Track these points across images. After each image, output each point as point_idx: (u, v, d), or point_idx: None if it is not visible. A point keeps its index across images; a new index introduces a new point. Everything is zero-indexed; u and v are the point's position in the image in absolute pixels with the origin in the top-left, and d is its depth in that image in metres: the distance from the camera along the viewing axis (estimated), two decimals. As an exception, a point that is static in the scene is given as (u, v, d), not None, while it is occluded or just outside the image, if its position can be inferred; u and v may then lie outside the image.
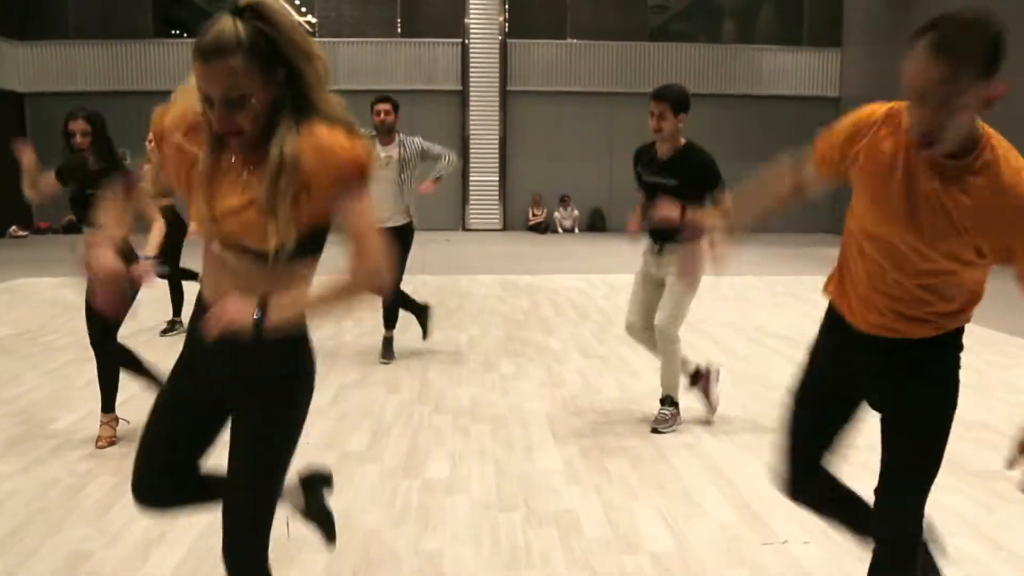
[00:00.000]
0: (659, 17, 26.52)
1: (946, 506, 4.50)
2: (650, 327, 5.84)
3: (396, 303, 7.85)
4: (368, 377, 7.18)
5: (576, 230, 22.59)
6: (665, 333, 5.72)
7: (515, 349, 8.31)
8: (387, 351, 7.87)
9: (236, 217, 2.30)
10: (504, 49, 22.50)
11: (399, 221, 7.56)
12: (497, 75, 22.44)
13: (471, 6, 22.44)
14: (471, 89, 22.46)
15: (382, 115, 7.61)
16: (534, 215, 22.67)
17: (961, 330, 2.71)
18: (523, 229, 22.77)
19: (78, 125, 5.78)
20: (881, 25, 20.94)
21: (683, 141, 5.74)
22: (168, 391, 2.68)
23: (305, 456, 5.05)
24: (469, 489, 4.75)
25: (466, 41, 22.39)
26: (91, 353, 5.70)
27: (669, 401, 5.92)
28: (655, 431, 5.76)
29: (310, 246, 2.37)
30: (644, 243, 5.92)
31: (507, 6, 22.80)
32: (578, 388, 6.89)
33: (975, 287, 2.62)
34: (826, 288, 2.93)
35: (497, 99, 22.47)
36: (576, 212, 22.70)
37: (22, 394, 6.68)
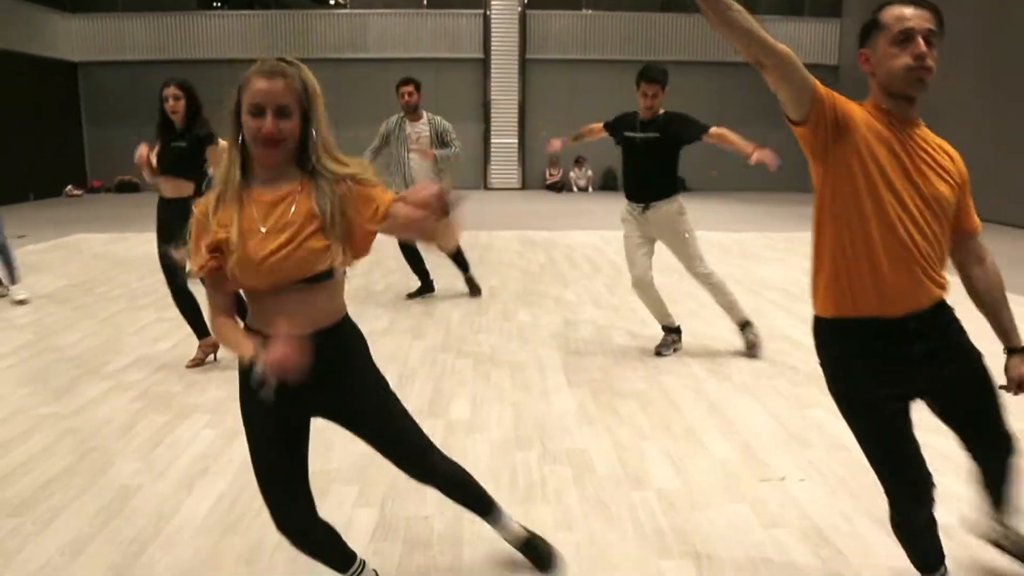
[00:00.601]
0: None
1: (933, 447, 4.46)
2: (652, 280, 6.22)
3: (412, 259, 8.41)
4: (395, 325, 7.17)
5: (590, 189, 22.44)
6: (701, 275, 6.22)
7: (532, 300, 8.27)
8: (472, 289, 8.52)
9: (282, 257, 2.44)
10: (524, 19, 22.21)
11: None
12: (517, 44, 22.19)
13: (492, -21, 22.16)
14: (492, 57, 22.22)
15: (406, 96, 7.92)
16: (551, 175, 22.52)
17: None
18: (541, 188, 22.64)
19: (170, 91, 5.97)
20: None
21: (661, 109, 6.11)
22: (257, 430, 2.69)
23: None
24: (489, 429, 4.75)
25: (488, 12, 22.11)
26: (142, 302, 5.72)
27: (746, 326, 6.34)
28: (751, 355, 6.26)
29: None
30: (624, 206, 6.27)
31: (526, -21, 22.53)
32: (591, 336, 6.87)
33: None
34: (824, 306, 2.72)
35: (517, 67, 22.24)
36: (590, 172, 22.54)
37: (78, 341, 6.71)
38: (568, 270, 10.07)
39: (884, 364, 2.61)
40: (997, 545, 3.16)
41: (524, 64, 22.33)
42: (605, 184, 22.61)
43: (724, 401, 5.24)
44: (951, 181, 2.58)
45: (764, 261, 10.86)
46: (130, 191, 21.43)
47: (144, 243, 12.26)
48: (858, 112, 2.56)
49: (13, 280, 8.27)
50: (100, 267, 10.15)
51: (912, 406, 2.68)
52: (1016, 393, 2.73)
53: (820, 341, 2.76)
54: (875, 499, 3.86)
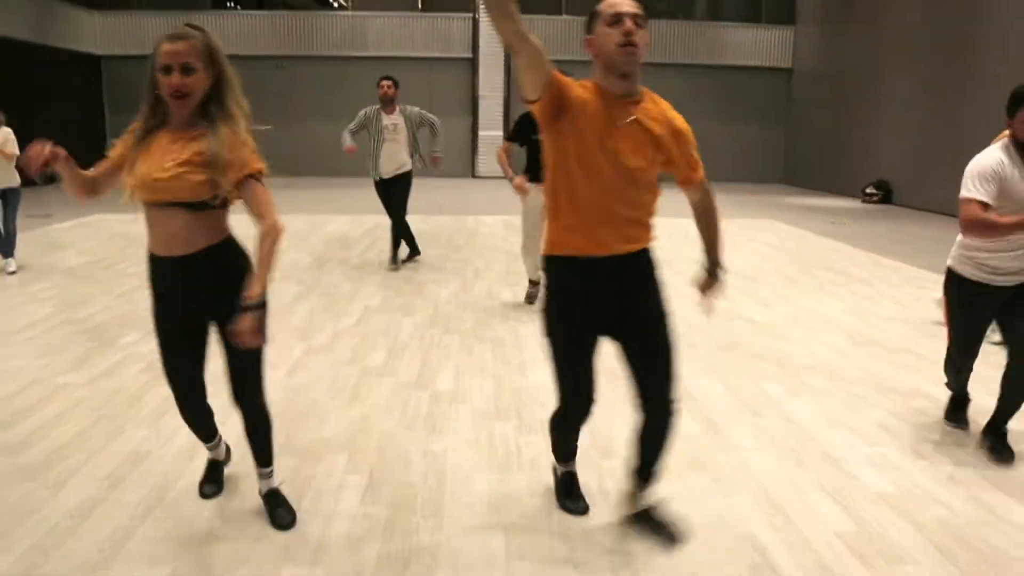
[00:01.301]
0: (643, -3, 25.95)
1: (874, 420, 4.42)
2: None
3: (401, 232, 8.71)
4: (388, 303, 7.07)
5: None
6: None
7: (514, 280, 8.17)
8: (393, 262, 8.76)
9: (173, 179, 2.75)
10: (509, 23, 22.01)
11: (405, 168, 8.43)
12: (503, 45, 21.97)
13: (481, -15, 21.94)
14: (481, 57, 22.03)
15: (384, 89, 8.22)
16: (533, 165, 22.43)
17: None
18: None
19: None
20: (829, 5, 20.49)
21: None
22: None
23: (332, 371, 4.99)
24: (471, 400, 4.67)
25: (476, 16, 21.89)
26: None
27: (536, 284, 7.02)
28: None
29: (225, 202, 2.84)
30: (534, 189, 6.56)
31: (512, -15, 22.29)
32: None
33: None
34: (550, 245, 2.91)
35: (503, 65, 22.05)
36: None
37: (94, 314, 6.58)
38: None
39: (584, 296, 2.86)
40: (634, 521, 3.17)
41: (509, 63, 22.13)
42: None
43: (689, 378, 5.15)
44: (651, 155, 2.79)
45: (725, 247, 10.77)
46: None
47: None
48: (580, 93, 2.73)
49: (6, 255, 8.30)
50: (118, 245, 9.99)
51: (599, 342, 2.94)
52: (703, 306, 3.10)
53: (546, 273, 2.97)
54: (822, 466, 3.81)
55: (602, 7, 2.76)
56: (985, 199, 3.56)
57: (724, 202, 16.26)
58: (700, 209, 3.15)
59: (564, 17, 22.69)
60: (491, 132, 22.16)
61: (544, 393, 4.78)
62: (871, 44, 18.10)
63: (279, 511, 3.27)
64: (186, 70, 2.75)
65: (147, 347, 5.66)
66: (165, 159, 2.77)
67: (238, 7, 25.83)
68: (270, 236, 2.74)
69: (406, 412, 4.45)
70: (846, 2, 19.54)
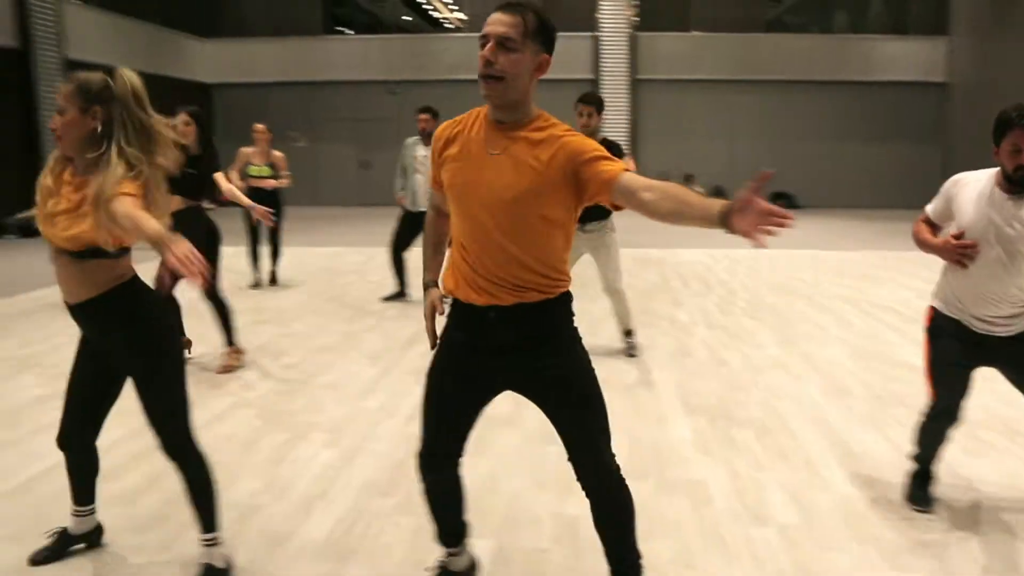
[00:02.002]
0: (775, 10, 25.61)
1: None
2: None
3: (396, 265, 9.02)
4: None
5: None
6: (617, 290, 6.76)
7: (646, 320, 8.01)
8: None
9: (53, 227, 2.96)
10: (633, 41, 21.97)
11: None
12: (626, 65, 21.94)
13: (601, 3, 21.95)
14: (603, 78, 22.02)
15: (422, 123, 8.69)
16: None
17: None
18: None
19: (181, 119, 6.29)
20: (987, 13, 19.71)
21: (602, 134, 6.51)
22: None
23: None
24: (607, 457, 4.54)
25: (597, 34, 21.95)
26: (267, 316, 5.72)
27: (629, 334, 6.80)
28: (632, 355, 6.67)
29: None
30: None
31: (635, 2, 22.27)
32: (705, 358, 6.60)
33: None
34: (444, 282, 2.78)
35: (627, 87, 21.98)
36: (700, 189, 22.12)
37: (205, 353, 6.74)
38: (680, 288, 9.79)
39: (464, 340, 2.68)
40: None
41: (634, 84, 22.06)
42: (713, 202, 22.15)
43: (844, 430, 4.93)
44: (518, 179, 2.48)
45: (877, 281, 10.37)
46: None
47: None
48: (447, 132, 2.66)
49: None
50: (225, 279, 10.25)
51: (478, 390, 2.78)
52: (759, 244, 2.16)
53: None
54: (1010, 543, 3.54)
55: (486, 23, 2.54)
56: (930, 214, 3.76)
57: (873, 232, 15.75)
58: (651, 200, 2.36)
59: (692, 34, 22.52)
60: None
61: (687, 448, 4.61)
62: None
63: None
64: (60, 111, 2.97)
65: (257, 390, 5.76)
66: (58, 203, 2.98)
67: (350, 31, 26.59)
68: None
69: (535, 469, 4.36)
70: (1006, 8, 18.76)
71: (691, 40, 22.36)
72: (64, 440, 3.32)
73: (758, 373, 6.14)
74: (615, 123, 22.06)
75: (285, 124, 22.37)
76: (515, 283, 2.56)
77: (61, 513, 3.57)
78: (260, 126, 10.04)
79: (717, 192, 22.08)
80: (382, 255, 11.42)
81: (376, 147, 21.86)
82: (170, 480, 4.20)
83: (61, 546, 3.44)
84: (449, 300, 2.72)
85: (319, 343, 7.05)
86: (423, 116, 8.72)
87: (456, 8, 32.81)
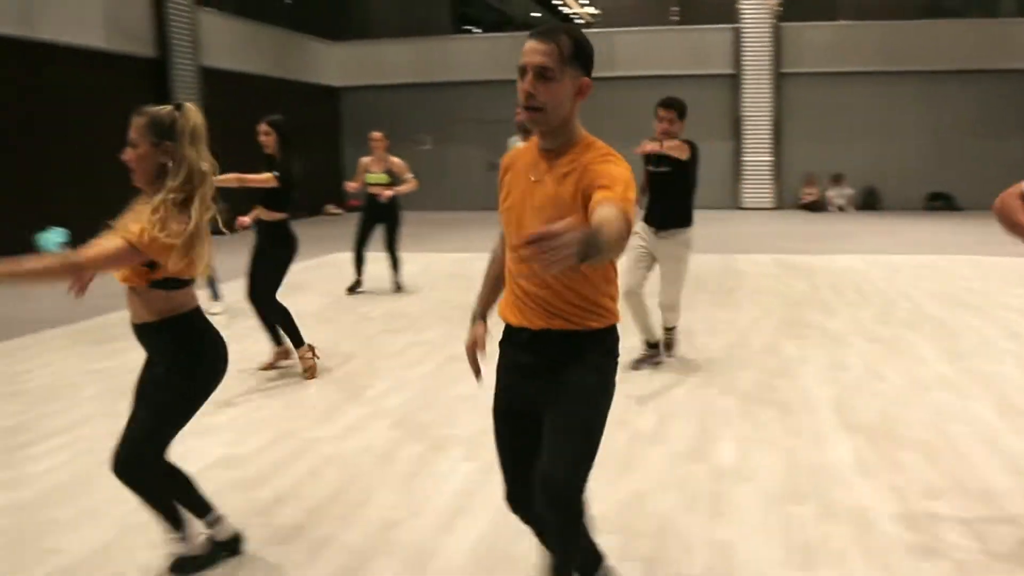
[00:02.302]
0: (931, -6, 24.67)
1: None
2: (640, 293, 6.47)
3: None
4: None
5: (849, 209, 21.31)
6: (673, 307, 6.62)
7: (796, 332, 7.81)
8: None
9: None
10: (776, 32, 21.50)
11: None
12: (770, 58, 21.50)
13: (743, -7, 21.61)
14: (744, 72, 21.62)
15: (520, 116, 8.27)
16: (807, 194, 21.56)
17: None
18: (795, 208, 21.74)
19: (261, 128, 6.61)
20: None
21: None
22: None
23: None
24: (758, 478, 4.43)
25: (738, 26, 21.58)
26: (400, 324, 5.80)
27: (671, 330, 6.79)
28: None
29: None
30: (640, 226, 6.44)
31: (780, -10, 21.82)
32: (863, 373, 6.38)
33: None
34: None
35: (770, 81, 21.53)
36: (849, 191, 21.44)
37: (340, 364, 6.89)
38: (832, 298, 9.50)
39: (508, 364, 2.82)
40: None
41: (778, 78, 21.59)
42: (865, 203, 21.40)
43: (1022, 456, 4.68)
44: (548, 217, 2.45)
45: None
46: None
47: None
48: (508, 160, 2.82)
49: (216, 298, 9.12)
50: (366, 286, 10.47)
51: (529, 420, 2.76)
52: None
53: None
54: None
55: (522, 51, 2.61)
56: None
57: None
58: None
59: (840, 23, 21.93)
60: (758, 157, 21.64)
61: (848, 471, 4.47)
62: None
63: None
64: (132, 144, 3.20)
65: (393, 400, 5.85)
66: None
67: (478, 30, 26.90)
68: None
69: (684, 490, 4.29)
70: None
71: (839, 30, 21.72)
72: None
73: (923, 390, 5.90)
74: (757, 120, 21.66)
75: (412, 126, 22.78)
76: (546, 308, 2.66)
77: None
78: (376, 134, 10.25)
79: (869, 193, 21.44)
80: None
81: (504, 149, 21.96)
82: (310, 489, 4.32)
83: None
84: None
85: (450, 352, 7.12)
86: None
87: (587, 3, 32.84)
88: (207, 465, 4.64)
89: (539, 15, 33.10)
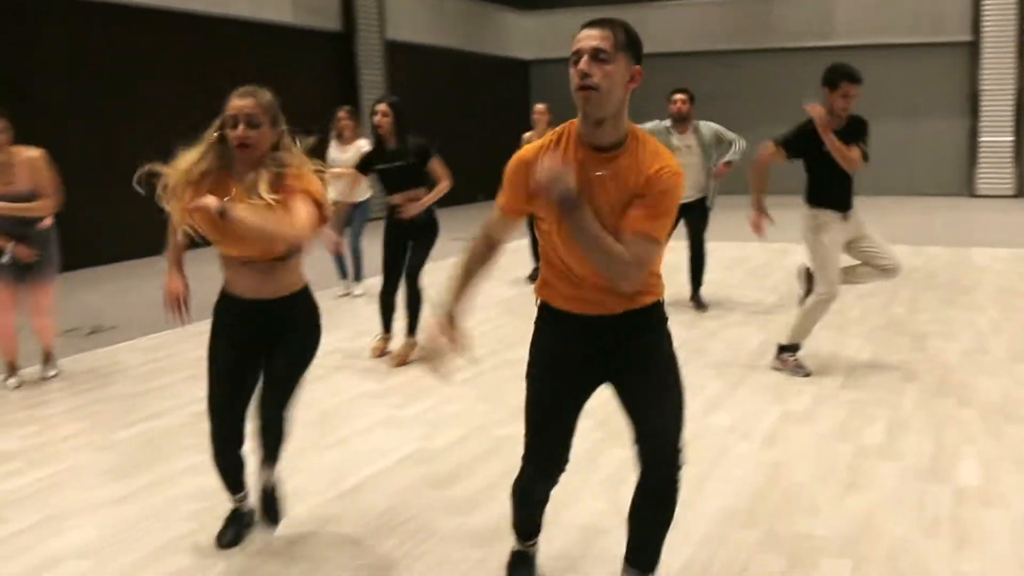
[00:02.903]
0: None
1: None
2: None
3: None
4: (879, 360, 6.74)
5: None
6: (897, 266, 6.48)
7: (1044, 335, 7.43)
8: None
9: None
10: (1025, -7, 20.38)
11: (694, 196, 8.56)
12: (1015, 24, 20.38)
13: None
14: (984, 40, 20.56)
15: (678, 104, 8.72)
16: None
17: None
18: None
19: (380, 108, 6.98)
20: None
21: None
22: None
23: (819, 445, 4.79)
24: (1010, 503, 4.24)
25: (979, -13, 20.57)
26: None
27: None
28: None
29: None
30: (824, 215, 6.25)
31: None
32: None
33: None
34: (538, 292, 3.20)
35: (1014, 50, 20.40)
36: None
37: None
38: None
39: (565, 347, 3.12)
40: None
41: (1022, 47, 20.46)
42: None
43: None
44: (611, 208, 2.86)
45: None
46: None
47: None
48: (528, 157, 2.97)
49: (358, 278, 10.04)
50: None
51: (588, 396, 3.24)
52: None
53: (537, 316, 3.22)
54: None
55: (575, 40, 2.91)
56: None
57: None
58: None
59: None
60: (998, 137, 20.53)
61: (1116, 502, 4.22)
62: None
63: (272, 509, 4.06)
64: (251, 123, 3.58)
65: (595, 399, 5.87)
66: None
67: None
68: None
69: (922, 512, 4.15)
70: None
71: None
72: (218, 445, 3.91)
73: None
74: (998, 94, 20.54)
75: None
76: (608, 293, 2.95)
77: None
78: (540, 106, 10.36)
79: None
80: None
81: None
82: (504, 490, 4.40)
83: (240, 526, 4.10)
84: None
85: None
86: (679, 96, 8.75)
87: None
88: (400, 459, 4.81)
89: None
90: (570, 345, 3.10)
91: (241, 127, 3.51)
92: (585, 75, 2.79)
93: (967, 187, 20.80)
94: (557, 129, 3.02)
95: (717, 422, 5.44)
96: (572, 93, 2.86)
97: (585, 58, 2.80)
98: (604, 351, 3.08)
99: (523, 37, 23.41)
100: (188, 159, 3.61)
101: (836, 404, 5.73)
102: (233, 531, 4.04)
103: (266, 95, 3.65)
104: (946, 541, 3.87)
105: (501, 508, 4.22)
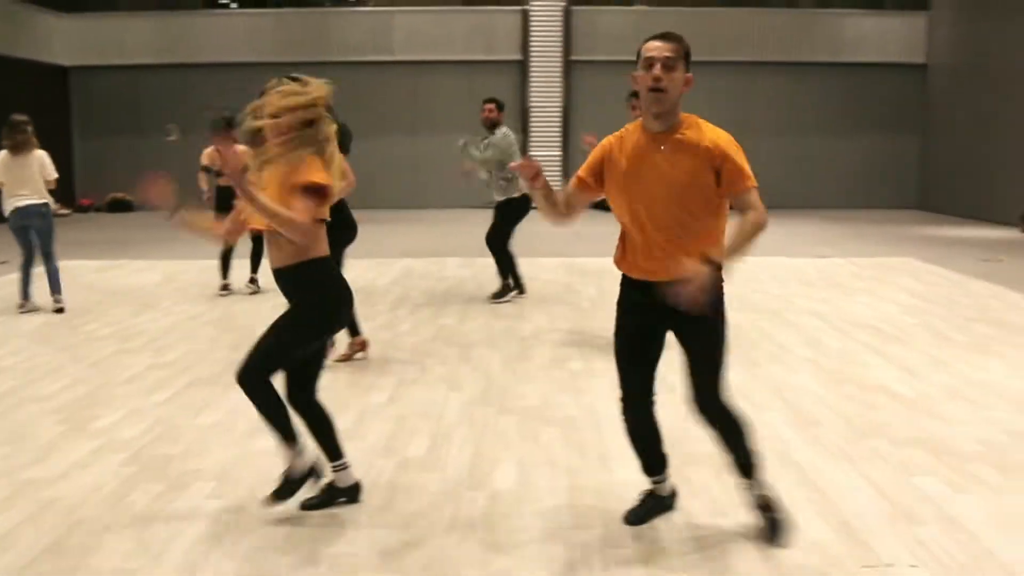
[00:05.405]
0: (732, -19, 26.09)
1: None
2: None
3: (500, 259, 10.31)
4: (427, 374, 7.03)
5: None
6: None
7: (584, 342, 8.11)
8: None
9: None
10: (567, 17, 22.18)
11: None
12: (560, 44, 22.15)
13: (531, -28, 22.20)
14: (532, 59, 22.17)
15: (486, 112, 9.94)
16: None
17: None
18: (587, 207, 22.38)
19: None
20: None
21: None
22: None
23: (362, 462, 4.95)
24: (540, 502, 4.59)
25: (527, 8, 22.11)
26: (134, 344, 5.68)
27: None
28: None
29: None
30: None
31: (571, -29, 22.53)
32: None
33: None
34: (617, 263, 4.21)
35: (560, 69, 22.17)
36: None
37: (62, 390, 6.62)
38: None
39: (641, 302, 4.08)
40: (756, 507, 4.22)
41: (568, 66, 22.27)
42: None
43: (816, 469, 5.03)
44: (675, 177, 3.84)
45: (851, 292, 10.61)
46: (123, 210, 21.59)
47: (140, 271, 12.26)
48: (608, 145, 4.09)
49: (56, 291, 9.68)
50: (89, 300, 10.09)
51: (657, 339, 4.18)
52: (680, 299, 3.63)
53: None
54: None
55: (642, 49, 3.83)
56: None
57: (844, 236, 16.14)
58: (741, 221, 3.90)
59: (637, 8, 22.85)
60: (548, 152, 22.12)
61: (634, 491, 4.67)
62: (1027, 32, 17.93)
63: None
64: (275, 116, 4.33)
65: (128, 432, 5.67)
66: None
67: (235, 5, 26.40)
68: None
69: (458, 519, 4.40)
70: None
71: (635, 15, 22.62)
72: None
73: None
74: (546, 110, 22.20)
75: (156, 114, 22.11)
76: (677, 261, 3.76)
77: None
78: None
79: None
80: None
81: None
82: (27, 539, 4.14)
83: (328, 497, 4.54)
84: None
85: (196, 375, 6.97)
86: (487, 106, 9.97)
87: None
88: None
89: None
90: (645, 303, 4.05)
91: None
92: (658, 79, 3.73)
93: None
94: (623, 129, 4.09)
95: (260, 445, 5.40)
96: (644, 93, 3.80)
97: (659, 66, 3.74)
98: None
99: (63, 41, 22.04)
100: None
101: (383, 419, 5.91)
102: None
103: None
104: (477, 545, 4.11)
105: (18, 559, 3.98)
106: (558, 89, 22.15)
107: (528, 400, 6.35)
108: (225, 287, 10.67)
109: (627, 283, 4.14)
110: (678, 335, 4.09)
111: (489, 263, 12.56)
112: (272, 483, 4.54)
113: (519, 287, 10.31)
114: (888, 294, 10.45)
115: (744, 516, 4.34)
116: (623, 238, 4.08)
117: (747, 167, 3.86)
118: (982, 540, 4.17)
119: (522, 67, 22.35)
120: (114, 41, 22.28)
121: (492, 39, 22.41)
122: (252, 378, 4.15)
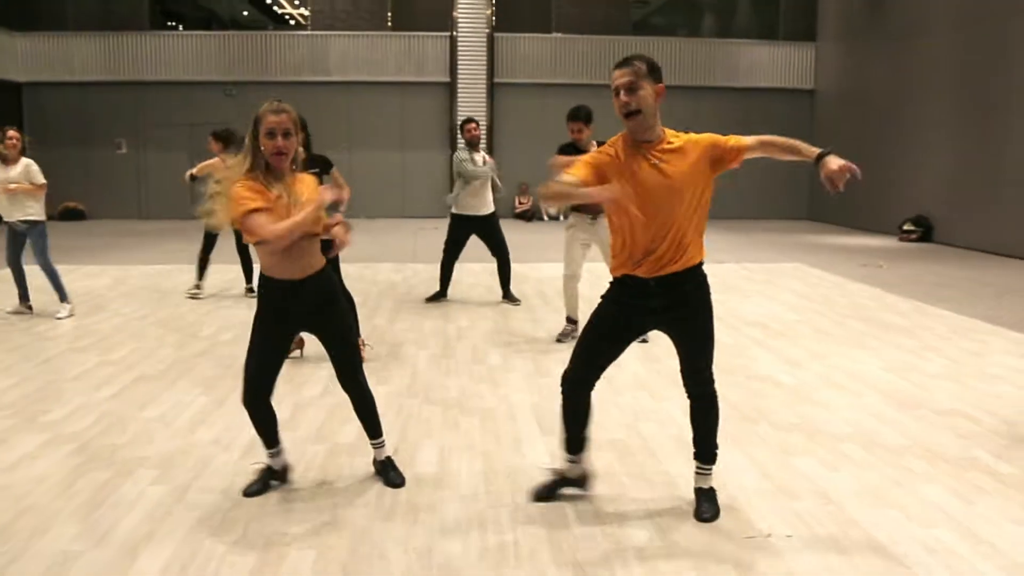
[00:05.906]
0: (641, 11, 26.41)
1: (926, 497, 4.41)
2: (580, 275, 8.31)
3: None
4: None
5: (561, 217, 22.27)
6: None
7: (503, 340, 8.17)
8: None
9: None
10: (491, 42, 22.29)
11: (486, 211, 10.39)
12: (484, 67, 22.26)
13: (459, 2, 22.24)
14: (459, 81, 22.26)
15: (472, 131, 9.99)
16: (520, 203, 22.43)
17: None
18: (510, 217, 22.49)
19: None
20: (854, 20, 20.83)
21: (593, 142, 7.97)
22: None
23: (295, 449, 4.96)
24: (458, 484, 4.64)
25: (454, 34, 22.18)
26: (83, 344, 5.62)
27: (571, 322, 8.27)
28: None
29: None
30: (574, 218, 8.28)
31: (494, 1, 22.60)
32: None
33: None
34: (613, 268, 4.20)
35: (484, 91, 22.28)
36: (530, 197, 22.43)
37: (12, 386, 6.51)
38: (540, 306, 9.99)
39: (627, 300, 4.13)
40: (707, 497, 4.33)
41: (492, 88, 22.37)
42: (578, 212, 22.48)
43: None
44: (671, 181, 3.96)
45: (745, 294, 10.82)
46: (75, 219, 21.20)
47: (91, 276, 12.07)
48: (606, 152, 4.09)
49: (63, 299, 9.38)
50: (39, 303, 9.88)
51: (633, 338, 4.24)
52: (832, 189, 3.82)
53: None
54: (868, 557, 3.80)
55: (612, 78, 3.95)
56: None
57: (741, 244, 16.40)
58: (773, 151, 4.10)
59: (554, 35, 23.03)
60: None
61: (544, 473, 4.74)
62: (903, 62, 18.41)
63: (391, 474, 4.64)
64: (286, 134, 4.22)
65: (76, 425, 5.61)
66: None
67: (180, 27, 26.09)
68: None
69: (382, 500, 4.43)
70: (871, 16, 19.87)
71: (552, 42, 22.80)
72: (254, 400, 4.49)
73: (618, 394, 6.33)
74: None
75: (105, 128, 21.78)
76: (673, 257, 4.03)
77: None
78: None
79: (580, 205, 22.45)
80: (223, 272, 11.26)
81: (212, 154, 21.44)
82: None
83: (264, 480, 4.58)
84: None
85: (141, 371, 6.92)
86: (469, 125, 10.00)
87: (299, 4, 32.53)
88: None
89: (247, 13, 32.45)
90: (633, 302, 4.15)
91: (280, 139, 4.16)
92: (626, 103, 3.90)
93: (448, 211, 22.27)
94: (613, 139, 4.13)
95: (201, 437, 5.40)
96: (622, 120, 3.97)
97: (623, 92, 3.89)
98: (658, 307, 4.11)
99: (16, 58, 21.59)
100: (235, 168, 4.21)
101: (316, 409, 5.92)
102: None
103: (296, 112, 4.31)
104: (401, 523, 4.15)
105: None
106: (483, 108, 22.21)
107: (450, 392, 6.40)
108: (197, 287, 10.55)
109: (624, 284, 4.13)
110: (673, 333, 4.20)
111: (417, 268, 12.59)
112: (212, 470, 4.55)
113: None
114: (776, 295, 10.68)
115: (638, 494, 4.45)
116: (619, 245, 4.10)
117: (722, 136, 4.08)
118: (848, 510, 4.31)
119: (450, 88, 22.40)
120: (64, 59, 21.90)
121: (422, 62, 22.45)
122: (360, 368, 4.74)
